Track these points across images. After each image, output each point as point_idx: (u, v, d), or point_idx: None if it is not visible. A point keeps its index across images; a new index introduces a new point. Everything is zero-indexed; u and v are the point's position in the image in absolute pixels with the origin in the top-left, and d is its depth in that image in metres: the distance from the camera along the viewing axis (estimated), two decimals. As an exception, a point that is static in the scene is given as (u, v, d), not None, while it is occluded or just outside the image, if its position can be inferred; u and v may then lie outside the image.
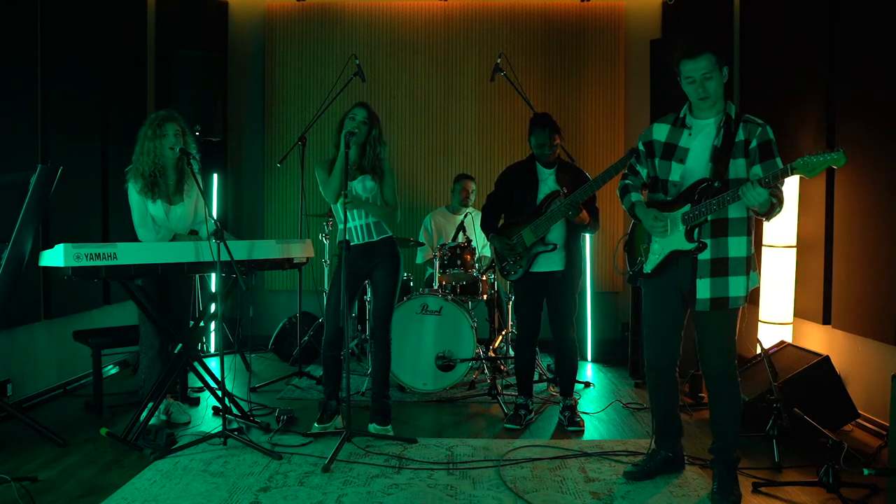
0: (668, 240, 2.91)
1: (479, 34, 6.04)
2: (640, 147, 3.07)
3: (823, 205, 4.18)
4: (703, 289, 2.82)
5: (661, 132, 2.99)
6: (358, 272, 3.73)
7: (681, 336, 3.03)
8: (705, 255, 2.82)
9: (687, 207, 2.84)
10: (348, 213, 3.59)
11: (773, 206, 2.66)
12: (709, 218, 2.80)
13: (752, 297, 2.95)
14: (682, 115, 2.95)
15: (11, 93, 3.95)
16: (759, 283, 2.94)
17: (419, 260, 5.65)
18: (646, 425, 3.87)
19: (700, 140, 2.87)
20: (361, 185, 3.68)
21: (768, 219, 2.77)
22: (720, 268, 2.81)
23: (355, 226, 3.70)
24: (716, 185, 2.77)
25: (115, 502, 2.81)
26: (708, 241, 2.81)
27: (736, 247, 2.81)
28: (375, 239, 3.72)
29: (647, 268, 3.00)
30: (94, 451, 3.39)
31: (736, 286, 2.81)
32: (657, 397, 3.13)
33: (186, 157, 3.60)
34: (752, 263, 2.86)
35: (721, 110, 2.85)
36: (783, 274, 4.32)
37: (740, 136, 2.78)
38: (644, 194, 3.11)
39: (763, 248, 4.39)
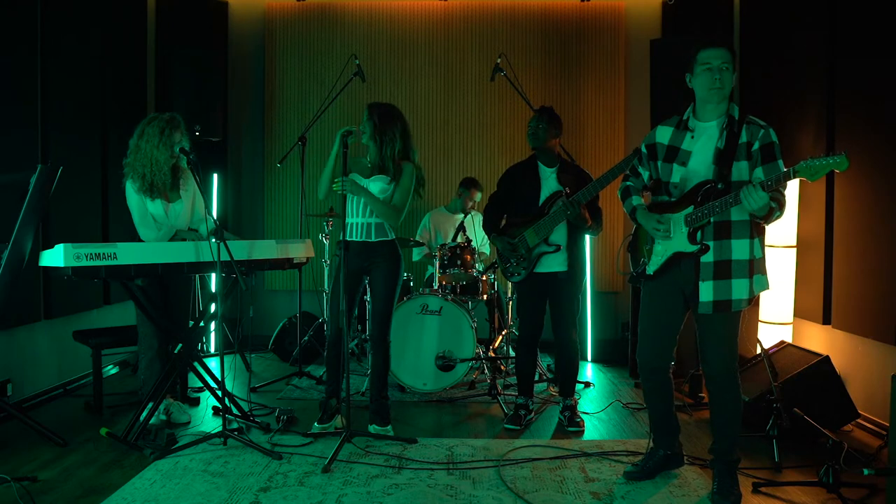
0: (670, 241, 2.90)
1: (479, 34, 6.04)
2: (643, 150, 3.07)
3: (823, 205, 4.18)
4: (706, 291, 2.82)
5: (664, 135, 2.99)
6: (356, 270, 3.71)
7: (676, 339, 3.03)
8: (708, 258, 2.81)
9: (690, 209, 2.84)
10: (349, 208, 3.59)
11: (773, 210, 2.65)
12: (711, 220, 2.79)
13: (753, 300, 2.94)
14: (685, 118, 2.94)
15: (11, 92, 3.95)
16: (768, 287, 2.90)
17: (415, 258, 5.65)
18: (646, 425, 3.87)
19: (703, 142, 2.86)
20: (376, 187, 3.64)
21: (767, 223, 2.76)
22: (723, 270, 2.80)
23: (356, 223, 3.69)
24: (719, 186, 2.77)
25: (115, 502, 2.81)
26: (711, 244, 2.81)
27: (739, 249, 2.80)
28: (373, 240, 3.69)
29: (650, 269, 2.99)
30: (94, 451, 3.39)
31: (739, 289, 2.80)
32: (652, 398, 3.13)
33: (186, 156, 3.60)
34: (757, 266, 2.84)
35: (724, 112, 2.85)
36: (783, 274, 4.33)
37: (743, 137, 2.77)
38: (646, 196, 3.11)
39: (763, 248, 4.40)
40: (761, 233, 2.88)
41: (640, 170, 3.11)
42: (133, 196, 3.65)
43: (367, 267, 3.75)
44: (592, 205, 3.85)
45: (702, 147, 2.86)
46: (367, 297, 4.78)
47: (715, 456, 2.93)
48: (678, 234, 2.87)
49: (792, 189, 4.23)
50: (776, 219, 2.73)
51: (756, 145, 2.75)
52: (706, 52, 2.81)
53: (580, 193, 3.63)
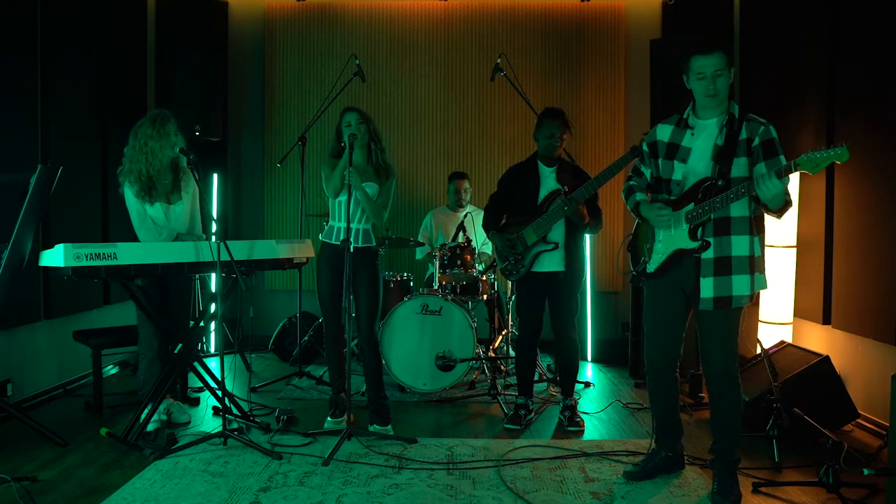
0: (671, 238, 2.91)
1: (479, 34, 6.04)
2: (645, 148, 3.08)
3: (823, 205, 4.18)
4: (707, 288, 2.82)
5: (664, 133, 2.99)
6: (341, 273, 3.73)
7: (682, 336, 3.03)
8: (708, 254, 2.82)
9: (690, 206, 2.84)
10: (343, 213, 3.63)
11: (788, 203, 2.66)
12: (712, 216, 2.80)
13: (753, 297, 2.94)
14: (685, 116, 2.95)
15: (12, 93, 3.95)
16: (766, 286, 2.92)
17: (418, 256, 5.66)
18: (646, 425, 3.87)
19: (703, 140, 2.87)
20: (369, 189, 3.73)
21: (780, 216, 2.75)
22: (723, 267, 2.81)
23: (348, 227, 3.71)
24: (719, 183, 2.77)
25: (115, 502, 2.81)
26: (711, 240, 2.81)
27: (739, 245, 2.80)
28: (360, 245, 3.77)
29: (651, 267, 2.99)
30: (94, 451, 3.39)
31: (739, 285, 2.81)
32: (657, 398, 3.13)
33: (186, 155, 3.60)
34: (757, 264, 2.84)
35: (724, 110, 2.85)
36: (783, 274, 4.32)
37: (743, 134, 2.78)
38: (648, 196, 3.11)
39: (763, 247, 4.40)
40: (761, 231, 2.88)
41: (643, 168, 3.11)
42: (132, 200, 3.65)
43: (352, 270, 3.77)
44: (592, 204, 3.85)
45: (702, 144, 2.87)
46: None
47: (715, 456, 2.93)
48: (679, 232, 2.88)
49: (792, 188, 4.22)
50: (786, 212, 2.73)
51: (756, 141, 2.76)
52: (699, 61, 2.79)
53: (578, 191, 3.64)
